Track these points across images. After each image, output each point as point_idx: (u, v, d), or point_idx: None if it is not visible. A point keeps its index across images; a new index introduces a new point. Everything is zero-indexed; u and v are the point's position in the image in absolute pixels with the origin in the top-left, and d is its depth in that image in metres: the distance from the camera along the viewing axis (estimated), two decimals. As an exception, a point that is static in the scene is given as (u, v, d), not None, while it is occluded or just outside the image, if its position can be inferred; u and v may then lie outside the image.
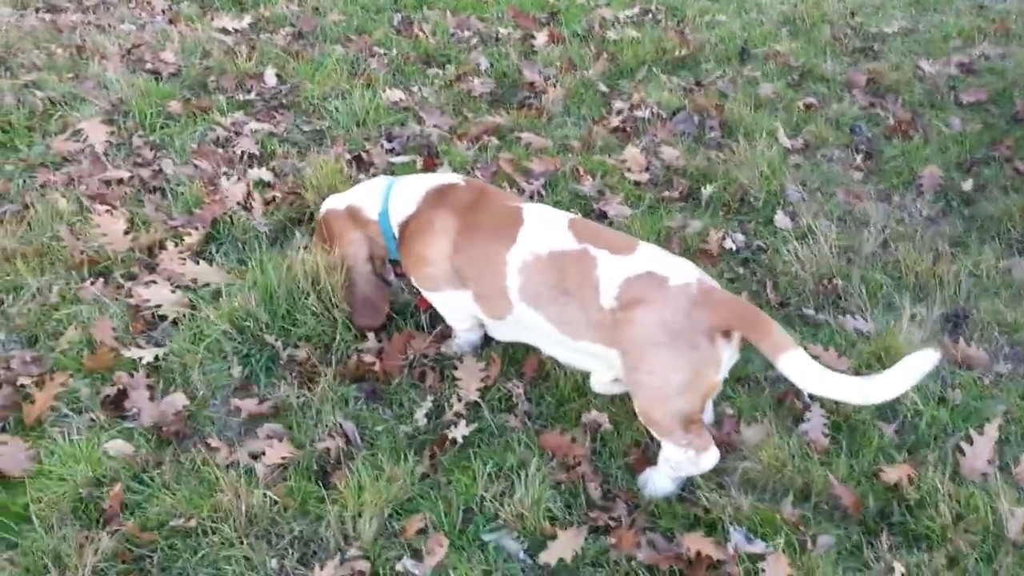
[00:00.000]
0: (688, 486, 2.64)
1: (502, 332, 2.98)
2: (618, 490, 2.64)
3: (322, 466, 2.70)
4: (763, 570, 2.31)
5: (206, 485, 2.59)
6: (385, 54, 5.23)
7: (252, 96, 4.75)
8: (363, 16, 5.72)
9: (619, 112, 4.55)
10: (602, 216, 3.74)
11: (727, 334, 2.42)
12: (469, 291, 2.86)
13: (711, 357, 2.42)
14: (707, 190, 3.86)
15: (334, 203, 3.15)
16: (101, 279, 3.40)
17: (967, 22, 5.48)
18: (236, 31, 5.59)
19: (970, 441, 2.67)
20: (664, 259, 2.55)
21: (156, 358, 3.05)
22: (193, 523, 2.48)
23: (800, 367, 2.30)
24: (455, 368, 2.97)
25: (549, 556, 2.43)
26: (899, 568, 2.35)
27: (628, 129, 4.43)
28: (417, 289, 3.05)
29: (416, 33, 5.45)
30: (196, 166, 4.09)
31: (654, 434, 2.55)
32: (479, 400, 2.88)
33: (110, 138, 4.33)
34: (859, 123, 4.40)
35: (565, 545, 2.44)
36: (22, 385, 2.92)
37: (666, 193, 3.88)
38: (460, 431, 2.76)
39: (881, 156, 4.20)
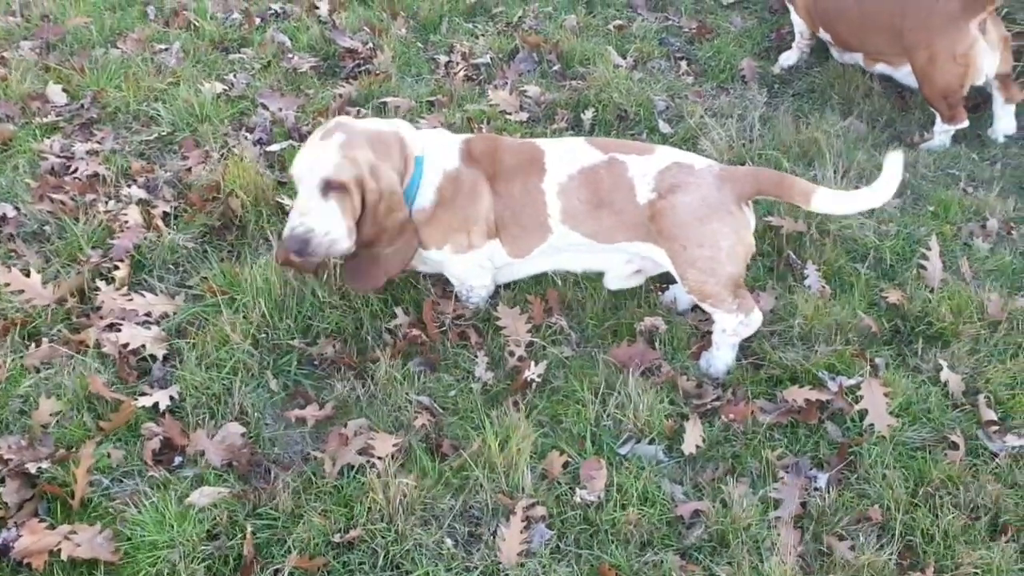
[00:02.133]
0: (745, 355, 2.95)
1: (515, 272, 3.07)
2: (699, 378, 2.89)
3: (430, 442, 2.65)
4: (862, 396, 2.70)
5: (345, 495, 2.44)
6: (167, 49, 4.81)
7: (53, 117, 4.18)
8: (112, 15, 5.16)
9: (454, 64, 4.64)
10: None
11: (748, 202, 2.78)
12: (497, 239, 2.92)
13: (745, 221, 2.79)
14: (587, 115, 4.13)
15: (372, 125, 2.82)
16: (37, 340, 2.94)
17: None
18: (-44, 56, 4.81)
19: (925, 258, 3.25)
20: (681, 152, 2.86)
21: (172, 398, 2.74)
22: (357, 532, 2.35)
23: (830, 200, 2.76)
24: (497, 320, 3.00)
25: (687, 447, 2.63)
26: (943, 363, 2.86)
27: (474, 77, 4.54)
28: None
29: (189, 21, 5.05)
30: (52, 199, 3.57)
31: (707, 308, 2.82)
32: (534, 339, 2.95)
33: (-92, 195, 3.63)
34: (664, 35, 4.89)
35: (694, 434, 2.66)
36: (32, 473, 2.50)
37: (554, 125, 4.09)
38: (537, 370, 2.83)
39: (697, 59, 4.73)
